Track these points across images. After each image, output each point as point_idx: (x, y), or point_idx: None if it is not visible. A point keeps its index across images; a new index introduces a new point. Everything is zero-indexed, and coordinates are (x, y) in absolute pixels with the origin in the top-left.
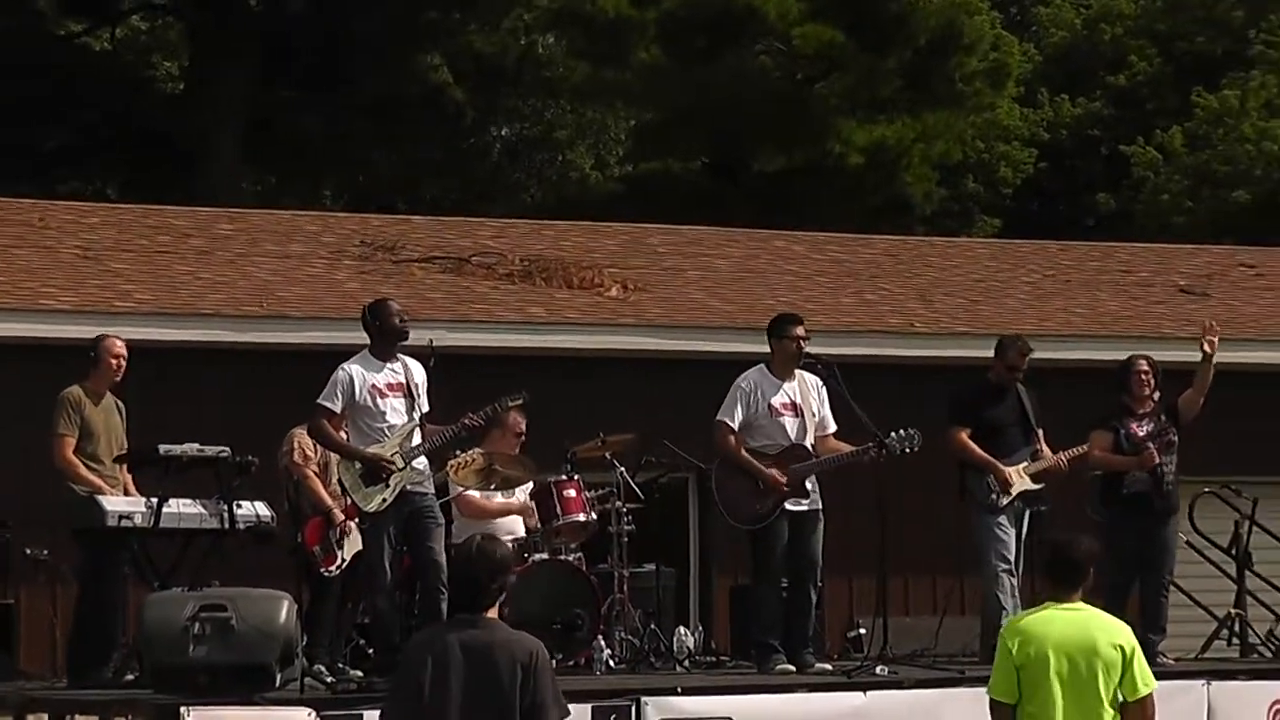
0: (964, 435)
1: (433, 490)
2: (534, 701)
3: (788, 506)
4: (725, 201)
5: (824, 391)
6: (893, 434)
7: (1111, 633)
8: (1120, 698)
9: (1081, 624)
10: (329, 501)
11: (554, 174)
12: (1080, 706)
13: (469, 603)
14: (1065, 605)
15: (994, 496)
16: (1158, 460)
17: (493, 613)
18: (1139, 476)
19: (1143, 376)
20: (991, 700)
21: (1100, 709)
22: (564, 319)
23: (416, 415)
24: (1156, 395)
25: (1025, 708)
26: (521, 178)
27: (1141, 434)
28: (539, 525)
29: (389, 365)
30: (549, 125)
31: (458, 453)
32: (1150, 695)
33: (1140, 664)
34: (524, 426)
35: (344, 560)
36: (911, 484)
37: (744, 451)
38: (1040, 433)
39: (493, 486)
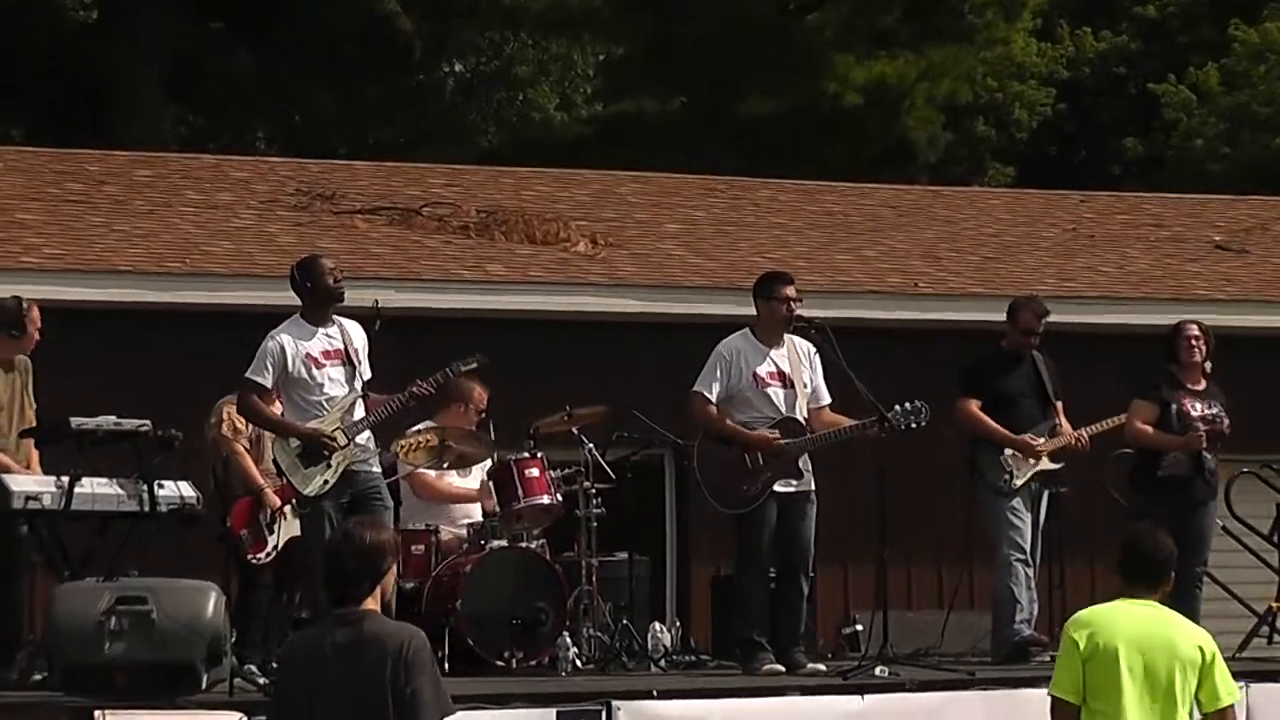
0: (974, 407)
1: (379, 469)
2: (409, 695)
3: (777, 488)
4: (706, 146)
5: (817, 360)
6: (896, 408)
7: (1192, 633)
8: (1196, 707)
9: (1159, 620)
10: (261, 480)
11: (514, 115)
12: (1154, 708)
13: (340, 596)
14: (1140, 602)
15: (1007, 477)
16: (1205, 445)
17: (370, 603)
18: (1179, 458)
19: (1192, 342)
20: (1053, 699)
21: (1175, 714)
22: (525, 278)
23: (358, 385)
24: (1208, 365)
25: (1091, 705)
26: (478, 119)
27: (1195, 414)
28: (498, 509)
29: (323, 330)
30: (508, 60)
31: (407, 430)
32: (1232, 708)
33: (1222, 671)
34: (485, 399)
35: (276, 546)
36: (916, 463)
37: (725, 420)
38: (1059, 405)
39: (445, 465)
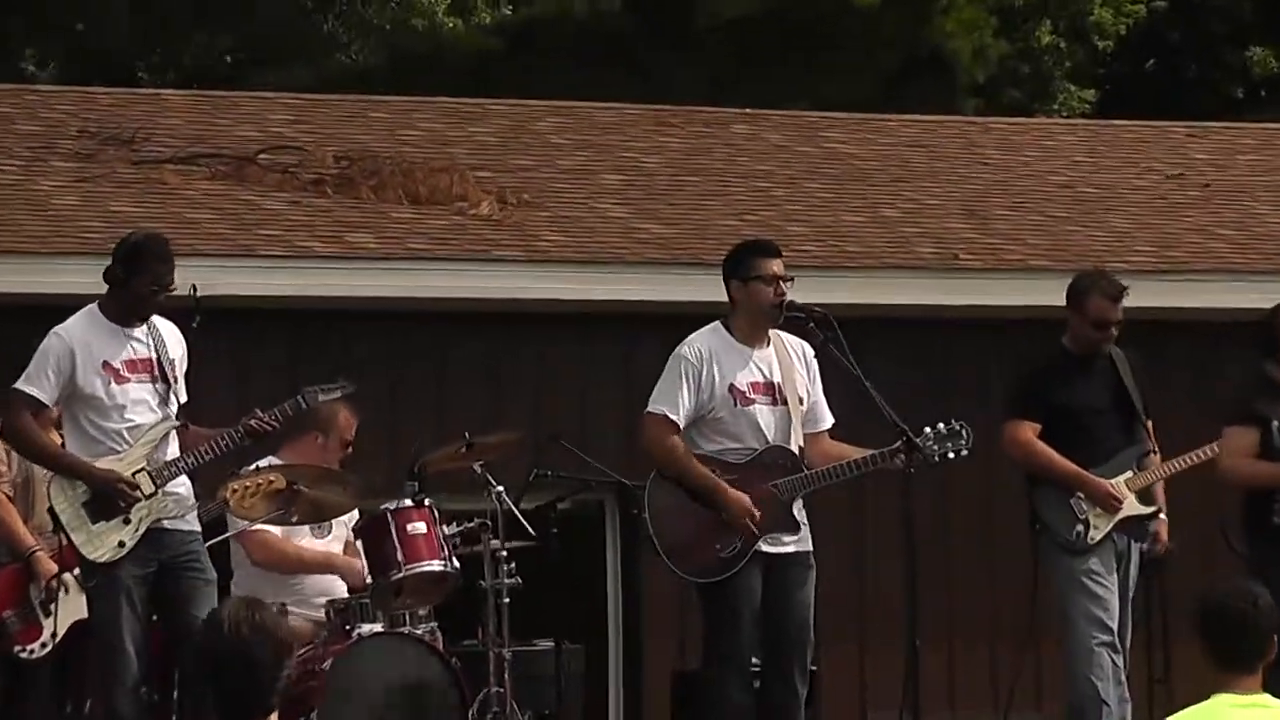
0: (1029, 433)
1: (198, 527)
2: None
3: (763, 547)
4: (658, 64)
5: (816, 365)
6: (927, 431)
7: None
8: None
9: None
10: (31, 541)
11: (387, 21)
12: None
13: (236, 713)
14: (1243, 697)
15: (1081, 529)
16: None
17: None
18: None
19: None
20: None
21: None
22: (406, 251)
23: (173, 410)
24: None
25: None
26: (336, 28)
27: None
28: (369, 579)
29: (129, 332)
30: None
31: (240, 470)
32: None
33: None
34: (353, 427)
35: (54, 634)
36: (956, 509)
37: (693, 460)
38: (1151, 425)
39: (295, 519)
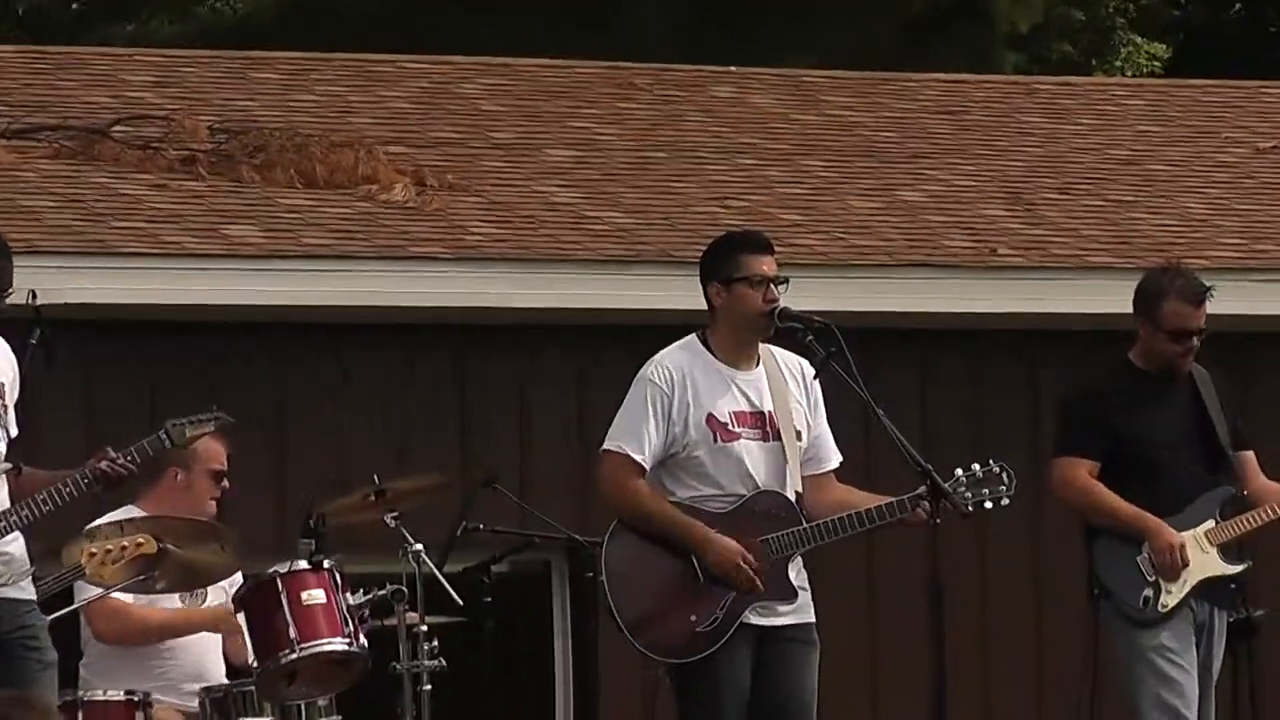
0: (1085, 474)
1: (34, 596)
2: None
3: (752, 619)
4: (619, 11)
5: (819, 390)
6: (959, 473)
7: None
8: None
9: None
10: None
11: None
12: None
13: None
14: None
15: (1150, 594)
16: None
17: None
18: None
19: None
20: None
21: None
22: (300, 248)
23: (2, 448)
24: None
25: None
26: None
27: None
28: (253, 661)
29: None
30: None
31: (97, 526)
32: None
33: None
34: (224, 460)
35: None
36: (996, 570)
37: (666, 503)
38: (1247, 456)
39: (161, 585)
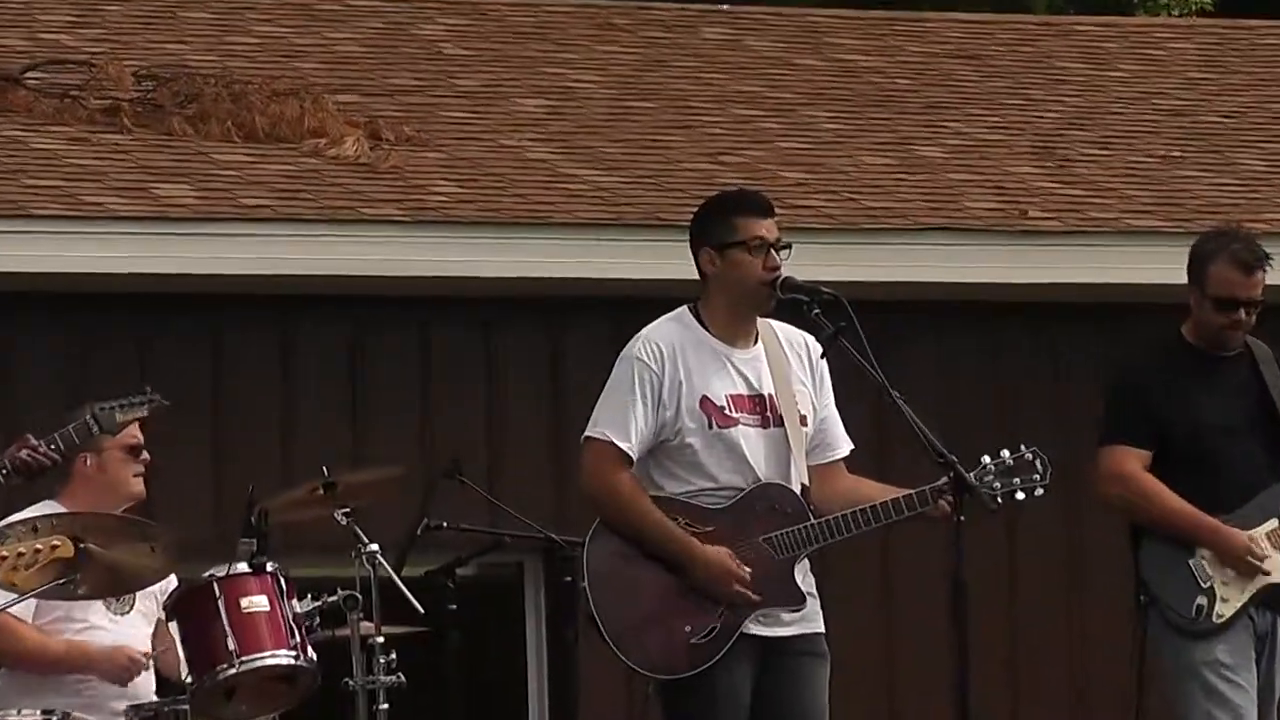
0: (1133, 464)
1: None
2: None
3: (752, 629)
4: None
5: (825, 367)
6: (986, 460)
7: None
8: None
9: None
10: None
11: None
12: None
13: None
14: None
15: (1203, 602)
16: None
17: None
18: None
19: None
20: None
21: None
22: (238, 210)
23: None
24: None
25: None
26: None
27: None
28: (188, 677)
29: None
30: None
31: (7, 524)
32: None
33: None
34: (139, 436)
35: None
36: (1028, 569)
37: (648, 505)
38: None
39: (83, 591)
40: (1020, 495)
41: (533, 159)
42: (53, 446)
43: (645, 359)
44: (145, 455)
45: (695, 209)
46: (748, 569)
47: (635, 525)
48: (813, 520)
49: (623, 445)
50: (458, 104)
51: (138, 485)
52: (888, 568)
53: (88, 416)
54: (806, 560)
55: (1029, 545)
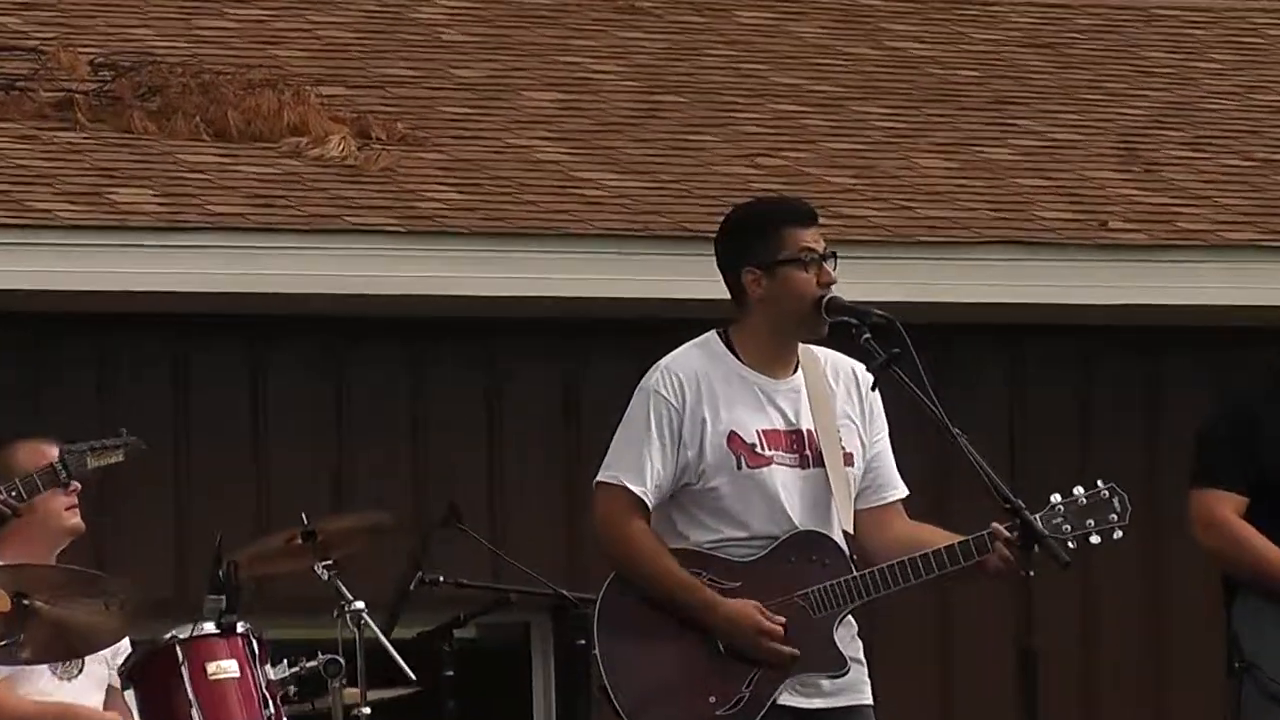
0: (1228, 511)
1: None
2: None
3: (787, 699)
4: None
5: (878, 403)
6: (1055, 500)
7: None
8: None
9: None
10: None
11: None
12: None
13: None
14: None
15: None
16: None
17: None
18: None
19: None
20: None
21: None
22: (208, 218)
23: None
24: None
25: None
26: None
27: None
28: None
29: None
30: None
31: None
32: None
33: None
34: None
35: None
36: (1106, 624)
37: (666, 558)
38: None
39: (25, 654)
40: (1095, 539)
41: (544, 160)
42: (13, 494)
43: (664, 392)
44: (75, 484)
45: (729, 215)
46: (782, 621)
47: (651, 580)
48: (855, 573)
49: (637, 491)
50: (458, 98)
51: (73, 518)
52: (946, 631)
53: (54, 462)
54: (853, 621)
55: (1106, 603)
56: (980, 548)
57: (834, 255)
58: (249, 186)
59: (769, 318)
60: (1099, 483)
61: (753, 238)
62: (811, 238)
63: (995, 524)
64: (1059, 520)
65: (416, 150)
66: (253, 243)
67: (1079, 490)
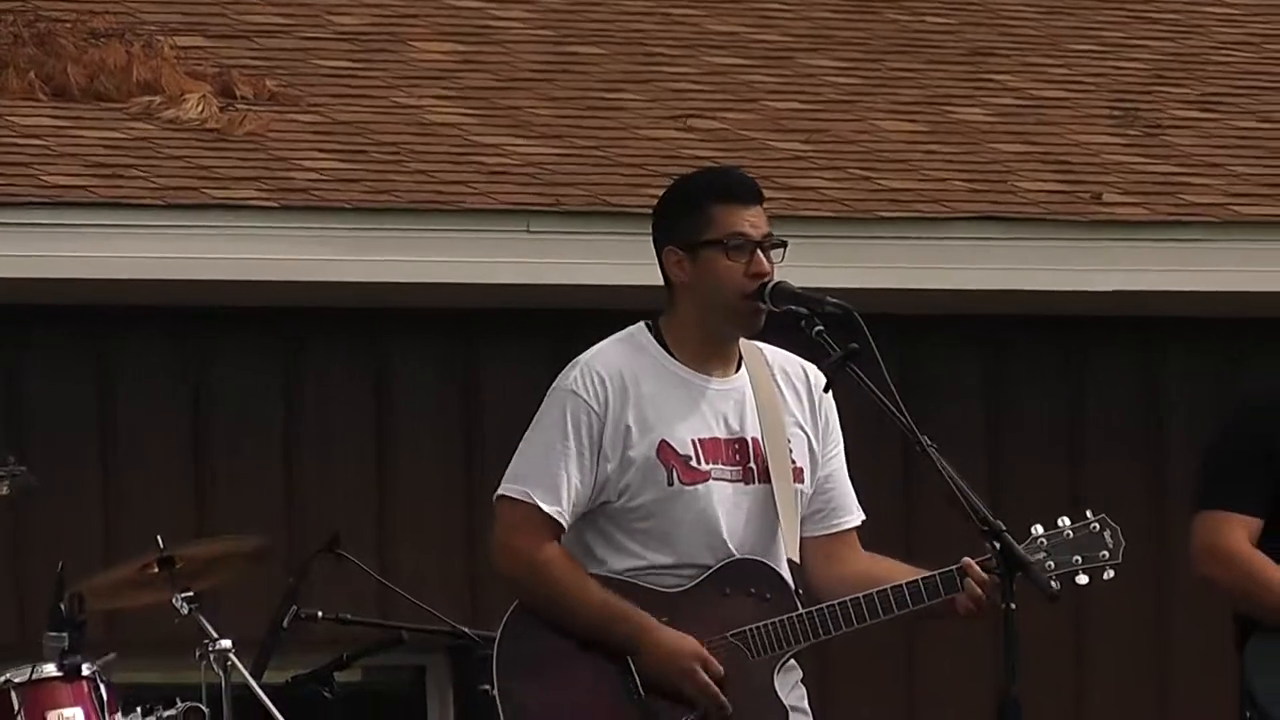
0: (1237, 537)
1: None
2: None
3: None
4: None
5: (832, 412)
6: (1038, 532)
7: None
8: None
9: None
10: None
11: None
12: None
13: None
14: None
15: None
16: None
17: None
18: None
19: None
20: None
21: None
22: (46, 192)
23: None
24: None
25: None
26: None
27: None
28: None
29: None
30: None
31: None
32: None
33: None
34: None
35: None
36: (1099, 671)
37: (586, 579)
38: None
39: None
40: (1082, 579)
41: (438, 123)
42: None
43: (583, 394)
44: None
45: (658, 191)
46: (717, 668)
47: (572, 613)
48: (801, 610)
49: (550, 510)
50: (337, 49)
51: None
52: (913, 677)
53: None
54: (797, 665)
55: (1099, 645)
56: (949, 584)
57: (782, 243)
58: (93, 154)
59: (695, 306)
60: (1089, 513)
61: (678, 213)
62: (749, 220)
63: (967, 558)
64: (1042, 555)
65: (289, 111)
66: (97, 220)
67: (1064, 521)
